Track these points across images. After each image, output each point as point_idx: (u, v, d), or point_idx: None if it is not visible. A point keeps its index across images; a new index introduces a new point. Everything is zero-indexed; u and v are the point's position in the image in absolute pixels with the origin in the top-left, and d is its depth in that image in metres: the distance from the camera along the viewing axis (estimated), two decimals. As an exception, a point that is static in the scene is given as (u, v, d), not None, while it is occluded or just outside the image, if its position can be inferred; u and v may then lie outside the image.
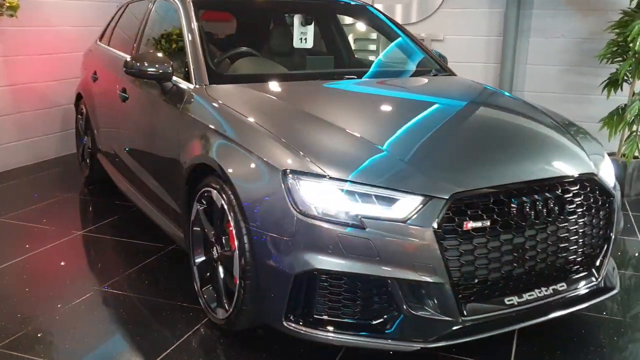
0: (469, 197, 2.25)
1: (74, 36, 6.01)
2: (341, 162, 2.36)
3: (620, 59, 4.93)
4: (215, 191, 2.64)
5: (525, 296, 2.38)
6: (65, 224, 4.17)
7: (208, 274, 2.83)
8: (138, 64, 3.18)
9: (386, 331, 2.27)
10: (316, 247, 2.23)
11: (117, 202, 4.56)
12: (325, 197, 2.25)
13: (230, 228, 2.53)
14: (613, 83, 5.00)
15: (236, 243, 2.48)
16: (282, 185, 2.30)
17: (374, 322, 2.28)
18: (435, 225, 2.17)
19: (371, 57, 4.10)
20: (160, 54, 3.24)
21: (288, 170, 2.31)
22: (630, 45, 4.69)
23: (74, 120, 5.38)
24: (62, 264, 3.50)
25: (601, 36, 5.34)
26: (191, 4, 3.47)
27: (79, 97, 5.11)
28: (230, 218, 2.51)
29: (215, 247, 2.74)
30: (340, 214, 2.22)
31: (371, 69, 3.64)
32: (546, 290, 2.43)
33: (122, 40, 4.44)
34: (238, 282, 2.50)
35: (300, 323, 2.33)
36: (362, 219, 2.19)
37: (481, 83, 3.70)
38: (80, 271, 3.44)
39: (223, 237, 2.67)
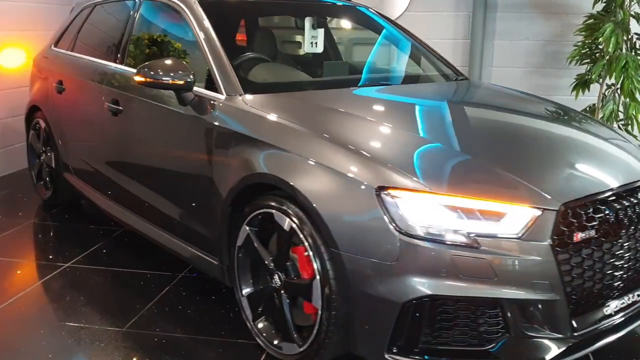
0: (574, 207, 2.14)
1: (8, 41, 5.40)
2: (436, 174, 2.19)
3: (588, 60, 5.07)
4: (278, 212, 2.38)
5: (625, 300, 2.32)
6: (44, 255, 3.68)
7: (262, 305, 2.56)
8: (153, 72, 2.83)
9: (491, 351, 2.13)
10: (427, 271, 2.04)
11: (92, 227, 4.11)
12: (429, 214, 2.06)
13: (305, 253, 2.29)
14: (582, 84, 5.14)
15: (316, 269, 2.24)
16: (378, 203, 2.09)
17: (484, 348, 2.12)
18: (550, 239, 2.05)
19: (367, 62, 3.90)
20: (179, 61, 2.90)
21: (383, 187, 2.10)
22: (601, 47, 4.85)
23: (23, 135, 4.81)
24: (64, 301, 3.07)
25: (562, 38, 5.52)
26: (198, 4, 3.16)
27: (32, 109, 4.57)
28: (306, 242, 2.27)
29: (275, 275, 2.46)
30: (448, 232, 2.04)
31: (394, 74, 3.45)
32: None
33: (95, 46, 3.99)
34: (320, 313, 2.26)
35: (406, 355, 2.12)
36: (475, 237, 2.03)
37: (513, 89, 3.64)
38: (91, 311, 2.98)
39: (288, 263, 2.41)
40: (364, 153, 2.24)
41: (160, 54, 3.38)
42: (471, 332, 2.11)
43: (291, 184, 2.30)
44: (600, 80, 5.03)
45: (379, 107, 2.95)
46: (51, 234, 4.13)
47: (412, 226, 2.05)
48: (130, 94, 3.32)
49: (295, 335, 2.40)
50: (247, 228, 2.56)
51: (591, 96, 5.21)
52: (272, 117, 2.60)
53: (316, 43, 3.53)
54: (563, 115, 3.16)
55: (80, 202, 4.47)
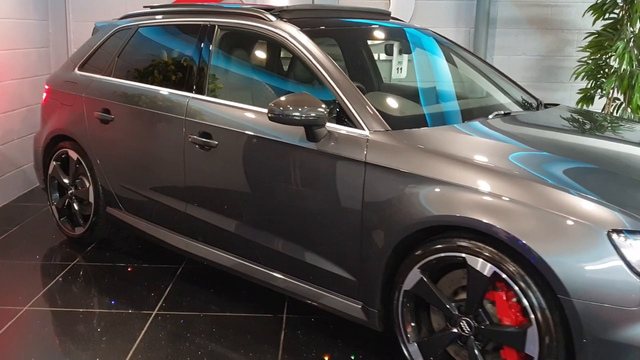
0: None
1: None
2: None
3: (599, 75, 5.34)
4: (473, 256, 2.31)
5: None
6: (125, 302, 3.35)
7: (437, 353, 2.50)
8: (282, 109, 2.67)
9: None
10: (668, 314, 2.07)
11: (155, 266, 3.80)
12: None
13: (514, 299, 2.24)
14: (588, 98, 5.43)
15: (532, 317, 2.20)
16: (613, 248, 2.08)
17: None
18: None
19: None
20: (311, 96, 2.74)
21: (616, 230, 2.11)
22: (612, 64, 5.14)
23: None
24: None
25: (557, 53, 5.81)
26: (302, 33, 3.00)
27: (56, 139, 4.12)
28: (517, 287, 2.22)
29: (462, 321, 2.39)
30: None
31: (500, 103, 3.40)
32: None
33: (147, 72, 3.67)
34: (537, 357, 2.22)
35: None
36: None
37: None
38: None
39: (479, 309, 2.35)
40: (585, 194, 2.24)
41: (259, 85, 3.18)
42: None
43: (506, 230, 2.22)
44: (610, 94, 5.32)
45: (551, 141, 2.94)
46: (110, 276, 3.74)
47: None
48: (225, 128, 3.09)
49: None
50: (419, 272, 2.47)
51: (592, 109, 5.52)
52: (443, 155, 2.52)
53: (401, 69, 3.47)
54: None
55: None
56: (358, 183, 2.62)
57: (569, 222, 2.17)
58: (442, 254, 2.41)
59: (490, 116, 2.98)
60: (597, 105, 5.40)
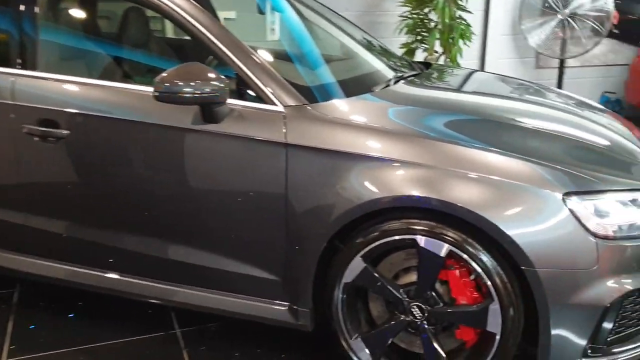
0: None
1: None
2: (601, 170, 2.20)
3: (418, 30, 5.47)
4: (427, 237, 2.11)
5: None
6: None
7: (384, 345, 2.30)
8: (170, 85, 2.17)
9: None
10: (625, 269, 2.09)
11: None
12: (615, 213, 2.09)
13: (471, 277, 2.11)
14: (410, 52, 5.54)
15: (493, 292, 2.08)
16: (568, 212, 2.03)
17: None
18: None
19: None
20: (205, 67, 2.26)
21: (570, 192, 2.05)
22: (432, 18, 5.29)
23: None
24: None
25: (376, 9, 5.84)
26: None
27: None
28: (475, 264, 2.08)
29: (414, 307, 2.20)
30: (634, 226, 2.10)
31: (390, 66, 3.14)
32: None
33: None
34: (499, 337, 2.12)
35: (604, 354, 2.15)
36: None
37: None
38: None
39: (432, 292, 2.18)
40: (534, 158, 2.13)
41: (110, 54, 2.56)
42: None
43: (460, 204, 2.05)
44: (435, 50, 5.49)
45: (486, 104, 2.81)
46: None
47: (606, 227, 2.05)
48: (85, 112, 2.45)
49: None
50: (362, 260, 2.21)
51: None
52: (381, 126, 2.26)
53: (274, 29, 3.10)
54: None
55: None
56: (279, 169, 2.24)
57: (525, 190, 2.07)
58: (389, 238, 2.17)
59: (393, 82, 2.76)
60: (418, 58, 5.56)
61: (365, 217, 2.19)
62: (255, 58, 2.37)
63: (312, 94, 2.38)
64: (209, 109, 2.27)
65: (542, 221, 2.04)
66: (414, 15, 5.42)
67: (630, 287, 2.08)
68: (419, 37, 5.42)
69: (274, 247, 2.33)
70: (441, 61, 5.44)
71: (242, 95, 2.37)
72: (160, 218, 2.49)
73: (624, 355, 2.17)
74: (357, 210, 2.16)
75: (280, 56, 2.77)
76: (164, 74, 2.22)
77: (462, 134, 2.27)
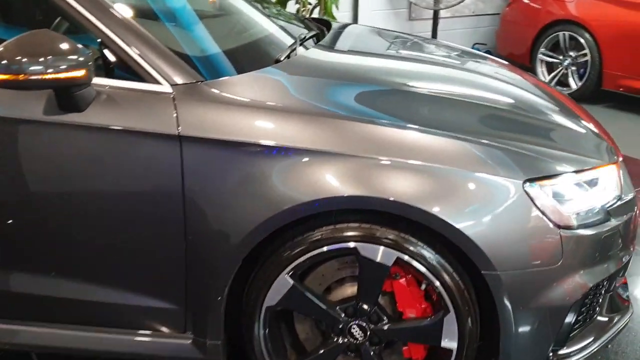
0: None
1: None
2: (568, 148, 1.92)
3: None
4: (366, 244, 1.70)
5: None
6: None
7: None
8: (9, 62, 1.55)
9: None
10: (587, 262, 1.82)
11: None
12: (573, 199, 1.81)
13: (422, 287, 1.75)
14: (281, 3, 5.03)
15: (449, 303, 1.73)
16: (529, 201, 1.71)
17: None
18: None
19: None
20: (60, 37, 1.63)
21: (530, 179, 1.72)
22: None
23: None
24: None
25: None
26: None
27: None
28: (428, 272, 1.72)
29: (354, 327, 1.80)
30: (590, 213, 1.83)
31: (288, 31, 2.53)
32: None
33: None
34: (455, 352, 1.79)
35: (572, 353, 1.90)
36: (607, 210, 1.88)
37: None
38: None
39: (377, 308, 1.80)
40: (478, 139, 1.77)
41: None
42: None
43: (411, 204, 1.65)
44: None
45: (402, 73, 2.38)
46: None
47: (567, 216, 1.76)
48: None
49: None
50: (289, 277, 1.76)
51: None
52: (302, 109, 1.79)
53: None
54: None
55: None
56: (171, 169, 1.69)
57: (478, 179, 1.71)
58: (321, 249, 1.73)
59: (296, 49, 2.21)
60: (290, 9, 5.06)
61: (287, 225, 1.73)
62: (124, 20, 1.77)
63: (203, 68, 1.83)
64: (66, 94, 1.66)
65: (500, 214, 1.71)
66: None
67: (594, 281, 1.84)
68: (291, -14, 4.94)
69: (170, 270, 1.79)
70: (315, 14, 5.00)
71: (110, 72, 1.77)
72: (10, 241, 1.85)
73: (585, 352, 1.95)
74: (276, 221, 1.69)
75: (152, 18, 2.14)
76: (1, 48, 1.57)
77: (380, 110, 1.89)
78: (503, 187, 1.71)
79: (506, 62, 2.90)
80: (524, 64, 5.54)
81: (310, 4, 5.00)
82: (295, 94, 1.91)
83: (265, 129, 1.73)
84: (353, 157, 1.68)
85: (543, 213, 1.73)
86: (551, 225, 1.73)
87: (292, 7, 4.96)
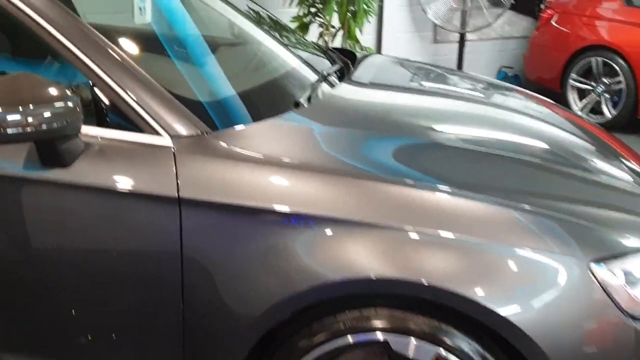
0: None
1: None
2: (617, 210, 1.65)
3: (312, 1, 4.74)
4: (398, 336, 1.44)
5: None
6: None
7: None
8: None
9: None
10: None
11: None
12: None
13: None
14: (302, 27, 4.82)
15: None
16: (594, 283, 1.43)
17: None
18: None
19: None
20: (37, 78, 1.41)
21: (599, 258, 1.44)
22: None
23: None
24: None
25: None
26: None
27: None
28: None
29: None
30: None
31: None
32: None
33: None
34: None
35: None
36: None
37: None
38: None
39: None
40: (527, 207, 1.51)
41: None
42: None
43: (460, 292, 1.38)
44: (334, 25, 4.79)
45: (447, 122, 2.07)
46: None
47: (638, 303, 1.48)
48: None
49: None
50: None
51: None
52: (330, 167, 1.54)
53: (144, 9, 2.22)
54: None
55: None
56: (168, 238, 1.46)
57: (527, 256, 1.43)
58: (344, 340, 1.46)
59: (320, 89, 1.96)
60: (313, 34, 4.84)
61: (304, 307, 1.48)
62: (122, 60, 1.54)
63: (212, 116, 1.60)
64: (50, 147, 1.42)
65: (557, 300, 1.42)
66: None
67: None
68: (312, 10, 4.71)
69: (165, 346, 1.55)
70: (338, 38, 4.77)
71: (102, 119, 1.54)
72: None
73: None
74: (291, 304, 1.45)
75: (155, 53, 1.90)
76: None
77: (413, 168, 1.65)
78: (559, 267, 1.43)
79: (533, 94, 2.65)
80: (553, 89, 5.28)
81: (333, 27, 4.77)
82: (317, 148, 1.67)
83: (281, 192, 1.49)
84: (381, 228, 1.43)
85: (612, 299, 1.44)
86: (622, 314, 1.45)
87: (314, 30, 4.75)
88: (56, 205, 1.51)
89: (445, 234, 1.43)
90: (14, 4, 1.52)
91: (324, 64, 2.30)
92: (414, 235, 1.42)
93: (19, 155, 1.48)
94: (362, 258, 1.42)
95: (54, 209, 1.51)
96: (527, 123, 2.18)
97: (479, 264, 1.42)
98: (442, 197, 1.50)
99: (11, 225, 1.54)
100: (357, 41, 4.77)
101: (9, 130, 1.34)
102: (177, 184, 1.44)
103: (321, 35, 4.82)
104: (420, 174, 1.59)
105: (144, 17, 2.25)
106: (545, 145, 1.98)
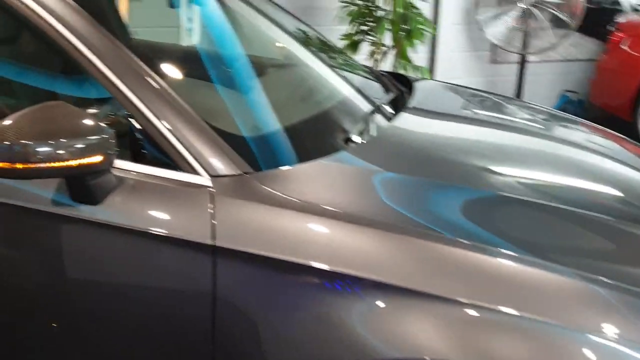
0: None
1: None
2: None
3: (364, 19, 4.61)
4: None
5: None
6: None
7: None
8: (16, 146, 1.20)
9: None
10: None
11: None
12: None
13: None
14: (352, 45, 4.68)
15: None
16: None
17: None
18: None
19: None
20: (69, 109, 1.29)
21: None
22: (380, 5, 4.46)
23: None
24: None
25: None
26: None
27: None
28: None
29: None
30: None
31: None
32: None
33: None
34: None
35: None
36: None
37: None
38: None
39: None
40: (610, 280, 1.25)
41: None
42: None
43: None
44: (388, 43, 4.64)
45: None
46: None
47: None
48: None
49: None
50: None
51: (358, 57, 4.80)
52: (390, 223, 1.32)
53: (191, 30, 2.12)
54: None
55: None
56: (199, 291, 1.29)
57: (614, 346, 1.18)
58: None
59: (374, 124, 1.76)
60: (363, 52, 4.70)
61: None
62: (162, 88, 1.41)
63: (257, 155, 1.45)
64: (79, 182, 1.31)
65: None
66: (359, 1, 4.55)
67: None
68: (363, 28, 4.56)
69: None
70: (390, 57, 4.60)
71: (137, 153, 1.42)
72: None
73: None
74: None
75: (198, 78, 1.77)
76: (2, 124, 1.23)
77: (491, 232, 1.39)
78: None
79: (600, 127, 2.39)
80: (622, 117, 4.97)
81: (384, 46, 4.61)
82: (372, 196, 1.46)
83: (323, 248, 1.28)
84: (442, 301, 1.21)
85: None
86: None
87: (364, 48, 4.61)
88: (84, 247, 1.37)
89: (516, 312, 1.19)
90: (55, 29, 1.42)
91: (377, 91, 2.12)
92: (481, 314, 1.20)
93: (49, 187, 1.35)
94: (417, 335, 1.20)
95: (82, 251, 1.38)
96: (593, 161, 1.95)
97: (552, 352, 1.17)
98: (518, 269, 1.25)
99: (37, 263, 1.44)
100: (409, 61, 4.59)
101: (43, 167, 1.21)
102: (213, 230, 1.31)
103: (372, 54, 4.67)
104: (493, 237, 1.35)
105: (191, 39, 2.15)
106: (619, 193, 1.72)
